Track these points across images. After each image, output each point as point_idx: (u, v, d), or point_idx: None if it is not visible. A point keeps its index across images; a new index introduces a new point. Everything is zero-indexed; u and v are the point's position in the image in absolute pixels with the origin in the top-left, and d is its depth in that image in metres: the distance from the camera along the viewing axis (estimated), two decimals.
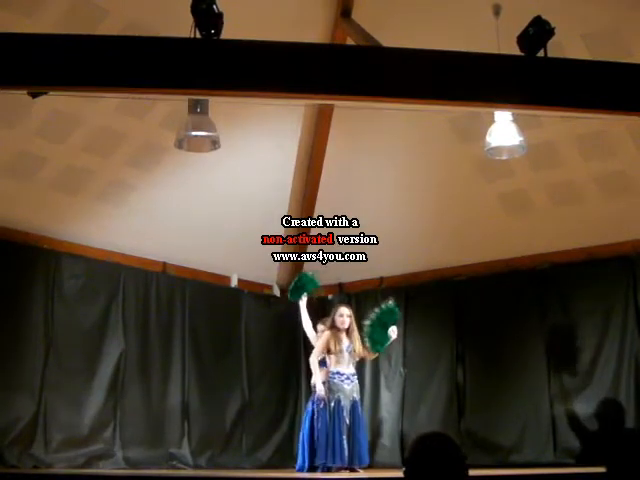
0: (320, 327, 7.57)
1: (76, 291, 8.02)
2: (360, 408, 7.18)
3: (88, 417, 7.80)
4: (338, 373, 7.08)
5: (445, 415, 8.77)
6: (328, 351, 7.16)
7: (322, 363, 7.29)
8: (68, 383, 7.73)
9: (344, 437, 6.88)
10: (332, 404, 6.99)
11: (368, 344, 7.24)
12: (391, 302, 7.39)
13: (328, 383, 7.07)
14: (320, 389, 7.10)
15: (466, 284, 8.92)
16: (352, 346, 7.15)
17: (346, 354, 7.12)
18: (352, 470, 6.92)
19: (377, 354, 7.48)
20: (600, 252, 8.19)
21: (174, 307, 8.83)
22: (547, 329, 8.41)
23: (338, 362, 7.10)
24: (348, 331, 7.20)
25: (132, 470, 7.77)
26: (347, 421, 6.95)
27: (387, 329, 7.26)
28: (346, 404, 6.99)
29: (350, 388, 7.08)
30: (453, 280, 9.01)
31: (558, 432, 8.11)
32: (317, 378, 7.17)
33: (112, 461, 7.84)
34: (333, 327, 7.22)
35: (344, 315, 7.22)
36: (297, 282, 7.88)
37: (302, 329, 7.95)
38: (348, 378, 7.10)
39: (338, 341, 7.13)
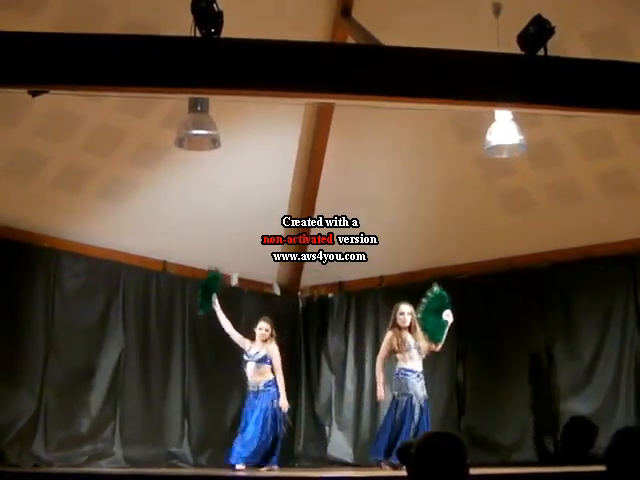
0: (262, 324, 7.44)
1: (76, 290, 8.03)
2: (427, 405, 7.06)
3: (88, 416, 7.82)
4: (410, 370, 7.01)
5: (445, 414, 8.77)
6: (394, 351, 7.10)
7: (263, 360, 7.32)
8: (68, 382, 7.74)
9: (408, 436, 6.78)
10: (404, 401, 6.92)
11: (428, 337, 7.16)
12: (436, 287, 7.32)
13: (398, 381, 7.02)
14: (380, 392, 7.13)
15: (466, 283, 8.91)
16: (418, 343, 7.08)
17: (414, 351, 7.04)
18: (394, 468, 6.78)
19: (440, 343, 7.29)
20: (600, 251, 8.19)
21: (174, 306, 8.84)
22: (547, 328, 8.41)
23: (406, 360, 7.02)
24: (410, 329, 7.12)
25: (132, 469, 7.77)
26: (416, 419, 6.87)
27: (440, 315, 7.19)
28: (417, 402, 6.92)
29: (419, 385, 7.00)
30: (453, 279, 8.98)
31: (558, 431, 8.12)
32: (379, 380, 7.16)
33: (112, 460, 7.85)
34: (395, 326, 7.15)
35: (405, 313, 7.14)
36: (202, 293, 7.62)
37: (300, 328, 7.92)
38: (418, 376, 7.02)
39: (402, 340, 7.06)
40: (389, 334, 7.17)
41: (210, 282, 7.71)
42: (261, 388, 7.35)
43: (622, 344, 7.98)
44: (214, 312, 7.60)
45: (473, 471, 2.75)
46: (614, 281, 8.12)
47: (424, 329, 7.18)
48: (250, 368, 7.44)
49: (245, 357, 7.49)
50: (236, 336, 7.53)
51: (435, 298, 7.28)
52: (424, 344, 7.13)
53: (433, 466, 2.62)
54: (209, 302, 7.59)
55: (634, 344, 7.91)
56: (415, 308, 7.25)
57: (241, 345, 7.51)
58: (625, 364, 7.91)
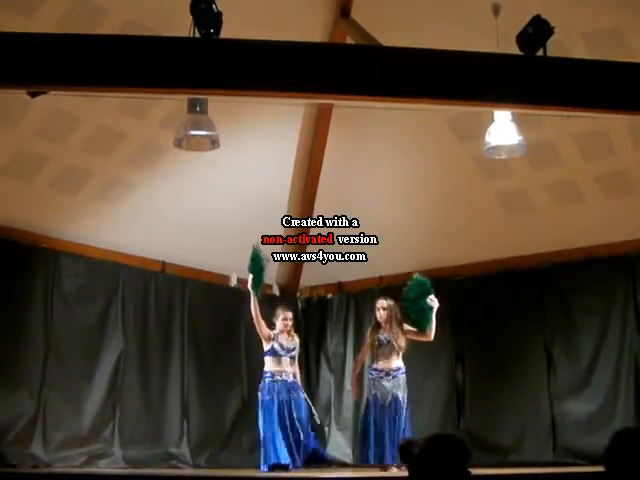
0: (288, 314, 7.20)
1: (76, 290, 8.02)
2: (401, 405, 6.79)
3: (87, 416, 7.81)
4: (376, 370, 6.89)
5: (445, 415, 8.77)
6: (371, 350, 6.99)
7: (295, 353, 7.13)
8: (67, 382, 7.74)
9: (375, 435, 6.68)
10: (370, 401, 6.83)
11: (415, 326, 6.96)
12: (416, 275, 7.15)
13: (367, 382, 6.98)
14: (354, 392, 7.19)
15: (466, 284, 8.91)
16: (393, 340, 6.85)
17: (385, 349, 6.87)
18: (383, 468, 6.67)
19: (429, 331, 6.95)
20: (600, 251, 8.20)
21: (173, 306, 8.84)
22: (547, 329, 8.41)
23: (376, 358, 6.91)
24: (387, 324, 6.92)
25: (131, 469, 7.77)
26: (377, 418, 6.72)
27: (424, 302, 6.93)
28: (384, 401, 6.76)
29: (389, 384, 6.81)
30: (452, 280, 9.00)
31: (558, 431, 8.12)
32: (353, 380, 7.16)
33: (111, 460, 7.84)
34: (375, 322, 7.05)
35: (380, 309, 7.00)
36: (253, 275, 7.19)
37: (300, 328, 7.81)
38: (388, 374, 6.83)
39: (375, 337, 6.93)
40: (368, 332, 7.09)
41: (255, 261, 7.28)
42: (295, 380, 7.13)
43: (621, 345, 7.98)
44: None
45: (472, 471, 2.75)
46: (613, 282, 8.12)
47: (410, 318, 6.97)
48: (285, 362, 7.10)
49: (280, 351, 7.11)
50: (262, 323, 7.13)
51: (414, 285, 7.05)
52: (399, 341, 6.87)
53: (437, 467, 2.63)
54: (260, 281, 7.22)
55: (633, 344, 7.91)
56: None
57: (265, 334, 7.12)
58: (624, 365, 7.92)
